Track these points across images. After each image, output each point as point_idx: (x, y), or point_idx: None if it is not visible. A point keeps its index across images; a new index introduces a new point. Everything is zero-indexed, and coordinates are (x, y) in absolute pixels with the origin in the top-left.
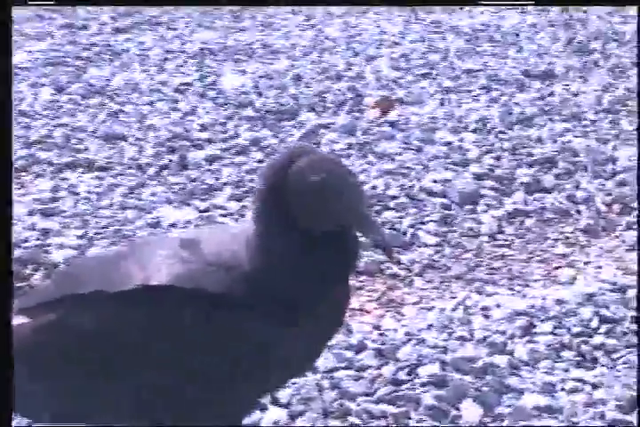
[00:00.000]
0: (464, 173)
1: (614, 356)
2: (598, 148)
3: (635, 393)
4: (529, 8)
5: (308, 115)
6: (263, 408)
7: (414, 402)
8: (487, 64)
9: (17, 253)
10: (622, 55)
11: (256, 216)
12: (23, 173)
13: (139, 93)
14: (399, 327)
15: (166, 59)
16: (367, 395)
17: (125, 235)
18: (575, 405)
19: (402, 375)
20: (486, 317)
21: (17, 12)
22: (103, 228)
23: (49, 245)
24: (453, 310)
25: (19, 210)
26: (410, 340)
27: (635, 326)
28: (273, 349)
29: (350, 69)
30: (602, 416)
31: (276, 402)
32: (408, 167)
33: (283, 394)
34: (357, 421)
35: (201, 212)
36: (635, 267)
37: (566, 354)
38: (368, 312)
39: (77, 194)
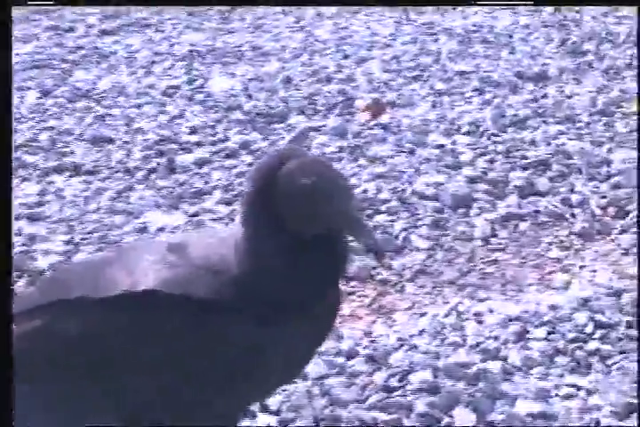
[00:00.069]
0: (457, 177)
1: (609, 362)
2: (592, 150)
3: (630, 399)
4: (521, 8)
5: (298, 118)
6: (253, 416)
7: (406, 409)
8: (480, 66)
9: None
10: (616, 56)
11: (244, 219)
12: None
13: (126, 96)
14: (391, 333)
15: (154, 61)
16: (358, 402)
17: (113, 240)
18: (569, 411)
19: (393, 382)
20: (479, 322)
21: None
22: (90, 233)
23: (34, 251)
24: (446, 315)
25: None
26: (402, 346)
27: (630, 332)
28: (262, 352)
29: (341, 72)
30: (597, 423)
31: (265, 409)
32: (400, 170)
33: (273, 401)
34: None
35: (190, 216)
36: (630, 271)
37: (560, 360)
38: (359, 318)
39: (64, 198)
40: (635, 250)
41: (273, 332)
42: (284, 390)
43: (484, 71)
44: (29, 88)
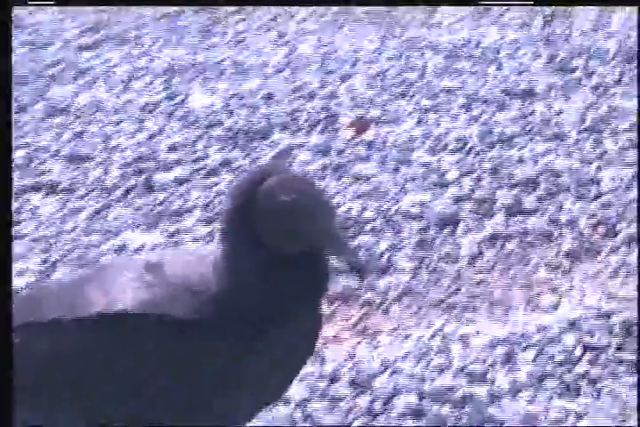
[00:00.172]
0: (442, 195)
1: (599, 385)
2: (581, 168)
3: (620, 424)
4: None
5: (281, 135)
6: None
7: None
8: (466, 82)
9: None
10: (606, 73)
11: (223, 236)
12: None
13: (104, 113)
14: (375, 356)
15: (133, 77)
16: None
17: (90, 259)
18: None
19: (378, 406)
20: (465, 344)
21: None
22: (67, 252)
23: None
24: (431, 337)
25: None
26: (386, 369)
27: (620, 354)
28: (241, 373)
29: (324, 88)
30: None
31: None
32: (384, 189)
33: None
34: None
35: (169, 235)
36: (619, 292)
37: (549, 383)
38: (342, 340)
39: (40, 217)
40: (623, 271)
41: (253, 352)
42: (265, 415)
43: (471, 87)
44: None
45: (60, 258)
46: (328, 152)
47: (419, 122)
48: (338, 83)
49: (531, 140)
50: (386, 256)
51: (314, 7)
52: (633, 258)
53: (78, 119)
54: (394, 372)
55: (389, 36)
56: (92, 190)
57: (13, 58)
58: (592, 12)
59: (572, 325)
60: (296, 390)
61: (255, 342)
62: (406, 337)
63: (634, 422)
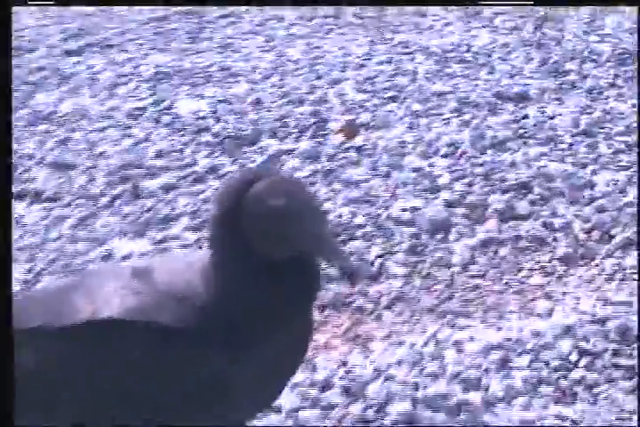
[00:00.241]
0: (434, 200)
1: (595, 391)
2: (575, 172)
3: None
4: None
5: (269, 141)
6: None
7: None
8: (458, 86)
9: None
10: (599, 76)
11: (211, 242)
12: None
13: (89, 120)
14: (367, 364)
15: (118, 83)
16: None
17: (76, 268)
18: None
19: (370, 414)
20: (459, 351)
21: None
22: (52, 261)
23: None
24: (424, 344)
25: None
26: (378, 376)
27: (616, 360)
28: (230, 382)
29: (313, 93)
30: None
31: None
32: (375, 195)
33: None
34: None
35: (156, 243)
36: (614, 297)
37: (544, 389)
38: (334, 348)
39: (24, 226)
40: (618, 276)
41: (241, 360)
42: (256, 424)
43: (462, 91)
44: None
45: (45, 267)
46: (318, 158)
47: (410, 127)
48: (327, 88)
49: (524, 144)
50: (377, 263)
51: (302, 10)
52: (628, 263)
53: (63, 127)
54: (387, 379)
55: (379, 40)
56: (78, 198)
57: None
58: (584, 14)
59: (567, 330)
60: (287, 399)
61: (244, 349)
62: (399, 344)
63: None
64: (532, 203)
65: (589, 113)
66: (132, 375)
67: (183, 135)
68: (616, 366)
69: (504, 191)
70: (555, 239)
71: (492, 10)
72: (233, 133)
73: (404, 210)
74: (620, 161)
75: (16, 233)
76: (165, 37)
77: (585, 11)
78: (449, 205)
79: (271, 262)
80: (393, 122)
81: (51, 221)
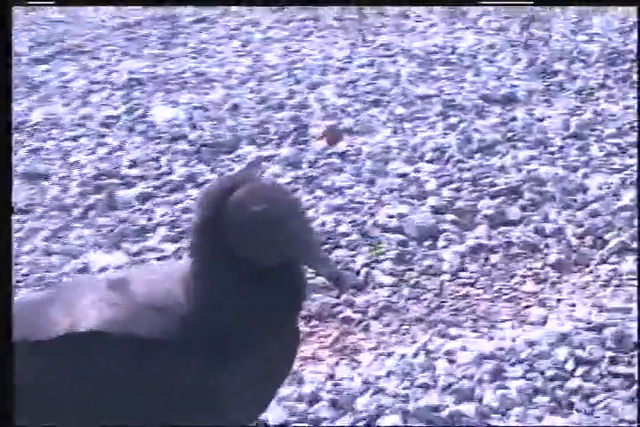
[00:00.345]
0: (421, 207)
1: (592, 400)
2: (567, 176)
3: None
4: (485, 27)
5: (249, 147)
6: None
7: None
8: (443, 89)
9: None
10: (589, 76)
11: (192, 251)
12: None
13: (61, 128)
14: (355, 376)
15: (90, 90)
16: None
17: (50, 282)
18: None
19: None
20: (451, 361)
21: None
22: (25, 275)
23: None
24: (414, 355)
25: None
26: (368, 389)
27: (613, 368)
28: (213, 395)
29: (293, 98)
30: None
31: None
32: (360, 202)
33: None
34: None
35: (133, 255)
36: (610, 304)
37: (540, 400)
38: (321, 360)
39: None
40: (613, 281)
41: (224, 373)
42: None
43: (448, 94)
44: None
45: (19, 280)
46: (299, 164)
47: (394, 131)
48: (307, 92)
49: (513, 147)
50: (364, 272)
51: (279, 14)
52: (623, 268)
53: (34, 136)
54: (376, 391)
55: (360, 42)
56: (51, 210)
57: None
58: (572, 13)
59: (563, 338)
60: (274, 413)
61: (230, 359)
62: (388, 355)
63: None
64: (523, 208)
65: (579, 115)
66: (112, 388)
67: (158, 143)
68: (614, 375)
69: (493, 196)
70: (547, 245)
71: (478, 10)
72: (210, 141)
73: (391, 217)
74: (612, 164)
75: None
76: (138, 43)
77: (572, 10)
78: (437, 211)
79: (255, 270)
80: (376, 127)
81: (24, 233)
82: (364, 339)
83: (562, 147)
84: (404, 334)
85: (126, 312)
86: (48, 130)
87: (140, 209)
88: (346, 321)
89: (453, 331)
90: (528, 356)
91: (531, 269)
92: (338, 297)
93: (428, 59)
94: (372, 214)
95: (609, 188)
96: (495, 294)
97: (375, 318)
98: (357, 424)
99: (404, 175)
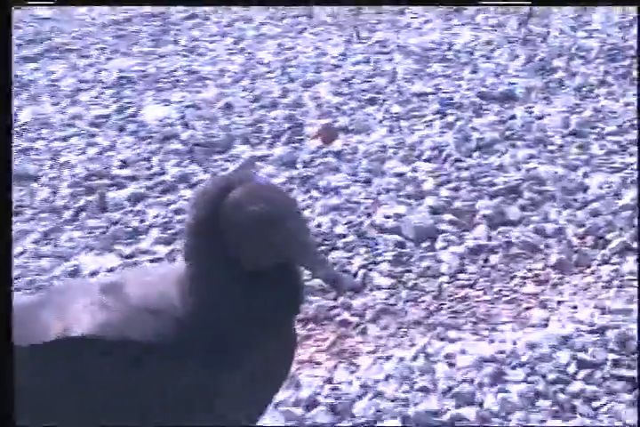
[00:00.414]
0: (419, 207)
1: (595, 404)
2: (567, 175)
3: None
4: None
5: (242, 147)
6: None
7: None
8: (439, 86)
9: None
10: (589, 73)
11: (187, 253)
12: None
13: (50, 128)
14: (353, 380)
15: (80, 89)
16: None
17: (40, 286)
18: None
19: None
20: (451, 365)
21: None
22: (15, 278)
23: None
24: (413, 358)
25: None
26: (366, 393)
27: (616, 371)
28: (209, 401)
29: (287, 96)
30: None
31: None
32: (356, 202)
33: None
34: None
35: (125, 258)
36: (613, 305)
37: (542, 403)
38: (318, 364)
39: None
40: (616, 282)
41: (221, 378)
42: None
43: (445, 92)
44: None
45: None
46: (294, 164)
47: (390, 130)
48: (301, 90)
49: (512, 146)
50: (361, 274)
51: (272, 10)
52: (625, 269)
53: (23, 136)
54: (375, 396)
55: (355, 39)
56: (41, 212)
57: None
58: (571, 9)
59: (564, 341)
60: (271, 418)
61: (227, 361)
62: (387, 358)
63: None
64: (523, 208)
65: (579, 112)
66: (107, 392)
67: (150, 143)
68: (617, 378)
69: (492, 196)
70: (547, 246)
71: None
72: (203, 140)
73: (388, 217)
74: (613, 162)
75: None
76: (128, 40)
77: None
78: (434, 211)
79: (252, 272)
80: (372, 125)
81: (13, 235)
82: (362, 342)
83: (561, 145)
84: (402, 338)
85: (120, 316)
86: (37, 130)
87: (131, 210)
88: (343, 324)
89: (453, 334)
90: (529, 359)
91: (531, 270)
92: (335, 300)
93: (425, 55)
94: (369, 215)
95: (610, 187)
96: (495, 296)
97: (373, 320)
98: None
99: (400, 175)
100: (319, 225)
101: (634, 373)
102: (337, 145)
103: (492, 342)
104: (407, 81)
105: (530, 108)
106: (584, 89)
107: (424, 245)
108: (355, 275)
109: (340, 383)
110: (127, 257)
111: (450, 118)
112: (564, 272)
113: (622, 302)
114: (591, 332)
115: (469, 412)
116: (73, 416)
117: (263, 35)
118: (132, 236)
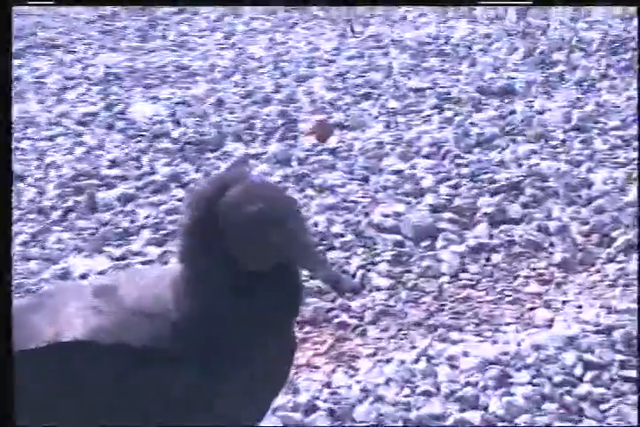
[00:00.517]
0: (418, 205)
1: (603, 406)
2: (570, 171)
3: None
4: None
5: (235, 145)
6: None
7: None
8: (437, 81)
9: None
10: (590, 66)
11: (183, 254)
12: None
13: (36, 127)
14: (353, 384)
15: (66, 86)
16: None
17: (29, 289)
18: None
19: None
20: (453, 367)
21: None
22: None
23: None
24: (415, 361)
25: None
26: (366, 397)
27: (624, 372)
28: (206, 405)
29: (280, 92)
30: None
31: None
32: (353, 201)
33: None
34: None
35: (116, 260)
36: (619, 305)
37: (548, 406)
38: (316, 367)
39: None
40: (622, 281)
41: (218, 382)
42: None
43: (442, 87)
44: None
45: None
46: (288, 162)
47: (387, 126)
48: (295, 86)
49: (512, 141)
50: (359, 274)
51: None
52: (631, 267)
53: None
54: (375, 400)
55: (349, 33)
56: (27, 213)
57: None
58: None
59: (570, 342)
60: (269, 423)
61: (220, 372)
62: (387, 361)
63: None
64: (525, 205)
65: (581, 107)
66: (102, 396)
67: (139, 141)
68: (624, 379)
69: (493, 193)
70: (551, 244)
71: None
72: (194, 138)
73: (386, 216)
74: (617, 157)
75: None
76: (115, 36)
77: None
78: (434, 209)
79: (251, 272)
80: (368, 121)
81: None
82: (361, 345)
83: (564, 140)
84: (402, 340)
85: (113, 319)
86: (23, 129)
87: (122, 211)
88: (341, 326)
89: (455, 335)
90: (534, 361)
91: (534, 269)
92: (333, 301)
93: (421, 50)
94: (367, 214)
95: (614, 183)
96: (498, 296)
97: (372, 322)
98: None
99: (398, 172)
100: (316, 224)
101: None
102: (332, 142)
103: (495, 343)
104: (403, 75)
105: (530, 102)
106: (585, 83)
107: (424, 244)
108: (353, 275)
109: (339, 387)
110: (118, 259)
111: (448, 113)
112: (568, 271)
113: (628, 302)
114: (597, 332)
115: (474, 416)
116: (73, 417)
117: (254, 29)
118: (123, 237)
